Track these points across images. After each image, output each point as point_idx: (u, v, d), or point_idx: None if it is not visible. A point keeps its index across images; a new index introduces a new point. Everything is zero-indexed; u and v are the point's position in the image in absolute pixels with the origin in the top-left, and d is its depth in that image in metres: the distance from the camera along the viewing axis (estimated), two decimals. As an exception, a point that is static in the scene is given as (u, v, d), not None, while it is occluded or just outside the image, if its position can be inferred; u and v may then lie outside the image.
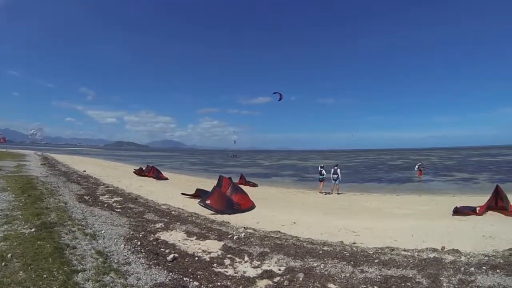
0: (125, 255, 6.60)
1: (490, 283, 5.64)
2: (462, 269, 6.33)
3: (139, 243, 7.54)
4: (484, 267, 6.33)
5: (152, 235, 8.56)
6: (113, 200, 13.74)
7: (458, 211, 13.31)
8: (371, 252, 7.74)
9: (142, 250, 7.08)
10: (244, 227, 10.32)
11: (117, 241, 7.53)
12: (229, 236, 9.06)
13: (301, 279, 6.09)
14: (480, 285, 5.59)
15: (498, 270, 6.15)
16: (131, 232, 8.50)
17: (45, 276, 5.02)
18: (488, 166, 50.35)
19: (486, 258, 6.96)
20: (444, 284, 5.71)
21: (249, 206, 14.88)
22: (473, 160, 69.29)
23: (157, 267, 6.18)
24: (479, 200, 15.12)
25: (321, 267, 6.71)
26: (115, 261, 6.22)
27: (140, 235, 8.32)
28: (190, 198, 16.80)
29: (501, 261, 6.69)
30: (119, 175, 27.80)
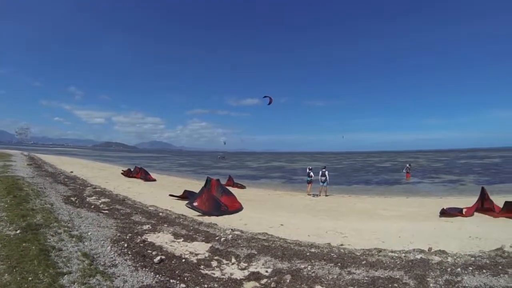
0: (112, 257, 6.54)
1: (477, 283, 5.73)
2: (449, 269, 6.43)
3: (126, 245, 7.48)
4: (471, 268, 6.44)
5: (139, 237, 8.48)
6: (100, 201, 13.58)
7: (445, 213, 13.49)
8: (358, 254, 7.79)
9: (129, 252, 7.02)
10: (232, 229, 10.30)
11: (103, 243, 7.45)
12: (217, 238, 9.03)
13: (288, 281, 6.11)
14: (467, 285, 5.68)
15: (484, 271, 6.26)
16: (118, 234, 8.42)
17: (30, 278, 4.96)
18: (475, 168, 51.11)
19: (473, 258, 7.07)
20: (431, 285, 5.79)
21: (236, 207, 14.87)
22: (460, 163, 70.13)
23: (144, 269, 6.14)
24: (466, 201, 15.42)
25: (308, 269, 6.74)
26: (102, 263, 6.15)
27: (127, 237, 8.25)
28: (178, 199, 16.71)
29: (488, 261, 6.81)
30: (107, 176, 27.52)
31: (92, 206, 12.11)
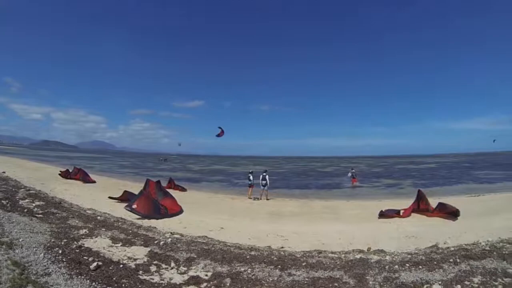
0: (45, 265, 6.02)
1: (413, 278, 6.02)
2: (387, 267, 6.69)
3: (60, 252, 6.94)
4: (408, 264, 6.75)
5: (75, 242, 7.92)
6: (34, 204, 12.51)
7: (383, 214, 14.13)
8: (298, 256, 7.87)
9: (64, 259, 6.51)
10: (171, 232, 10.03)
11: (36, 250, 6.84)
12: (156, 242, 8.74)
13: (228, 284, 6.06)
14: (404, 281, 5.94)
15: (420, 267, 6.58)
16: (53, 240, 7.80)
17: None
18: (412, 173, 53.58)
19: (409, 256, 7.42)
20: (370, 282, 6.00)
21: (176, 210, 14.55)
22: (399, 168, 72.69)
23: (79, 276, 5.73)
24: (403, 203, 16.21)
25: (249, 271, 6.72)
26: (34, 272, 5.64)
27: (62, 243, 7.66)
28: (117, 201, 16.00)
29: (423, 258, 7.17)
30: (43, 178, 25.49)
31: (25, 210, 11.12)
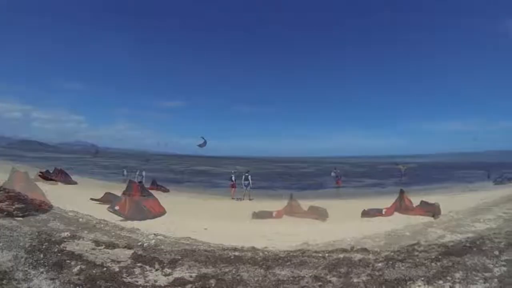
0: (26, 270, 5.90)
1: (397, 275, 6.13)
2: (370, 265, 6.80)
3: (42, 256, 6.79)
4: (391, 262, 6.87)
5: (57, 245, 7.75)
6: (14, 207, 12.15)
7: (366, 213, 14.31)
8: (283, 256, 7.90)
9: (46, 263, 6.38)
10: (154, 234, 9.96)
11: (17, 254, 6.71)
12: (139, 244, 8.66)
13: (213, 285, 6.05)
14: (388, 278, 6.05)
15: (403, 264, 6.72)
16: (34, 243, 7.61)
17: None
18: (394, 172, 53.89)
19: (392, 254, 7.56)
20: (354, 280, 6.09)
21: (159, 212, 14.42)
22: (382, 167, 73.42)
23: (61, 281, 5.64)
24: (386, 202, 16.26)
25: (233, 272, 6.71)
26: (15, 277, 5.53)
27: (44, 246, 7.50)
28: (99, 203, 15.76)
29: (406, 255, 7.33)
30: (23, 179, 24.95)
31: (5, 213, 10.85)
